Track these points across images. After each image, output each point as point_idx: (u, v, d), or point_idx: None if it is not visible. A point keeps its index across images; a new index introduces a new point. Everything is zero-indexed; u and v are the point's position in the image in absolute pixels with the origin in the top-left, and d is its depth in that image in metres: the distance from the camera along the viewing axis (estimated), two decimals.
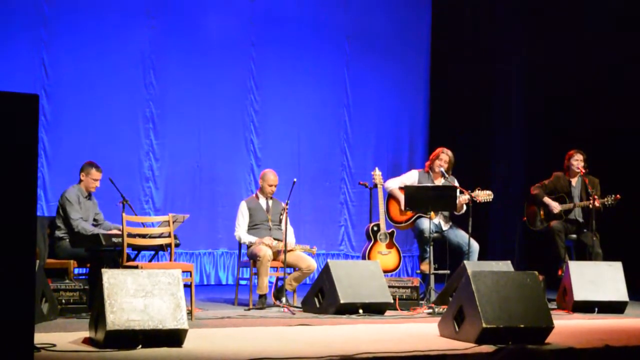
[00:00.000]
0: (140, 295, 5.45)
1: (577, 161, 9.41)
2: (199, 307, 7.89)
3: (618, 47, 11.48)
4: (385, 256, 8.99)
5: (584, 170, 9.36)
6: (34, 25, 10.28)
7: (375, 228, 9.08)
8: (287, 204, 8.37)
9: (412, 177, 9.23)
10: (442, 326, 6.28)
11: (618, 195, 9.17)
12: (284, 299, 8.25)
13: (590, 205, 9.12)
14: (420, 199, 8.59)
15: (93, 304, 5.92)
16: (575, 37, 11.72)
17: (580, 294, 8.23)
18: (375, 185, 9.24)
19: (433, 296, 8.47)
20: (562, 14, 11.91)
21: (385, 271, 8.49)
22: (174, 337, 5.47)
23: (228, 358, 5.04)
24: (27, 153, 4.12)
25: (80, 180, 8.09)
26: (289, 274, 8.39)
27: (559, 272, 9.06)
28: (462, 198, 8.85)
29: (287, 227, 8.34)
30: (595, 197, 9.13)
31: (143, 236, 7.65)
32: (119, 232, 7.55)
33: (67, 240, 7.88)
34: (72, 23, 10.52)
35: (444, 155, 9.13)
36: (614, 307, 8.24)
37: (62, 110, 10.41)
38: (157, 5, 11.00)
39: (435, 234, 8.91)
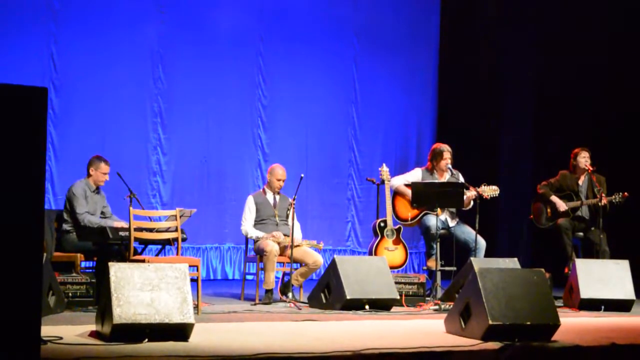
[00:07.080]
0: (147, 289, 5.45)
1: (584, 158, 9.39)
2: (206, 302, 7.89)
3: (620, 46, 11.48)
4: (392, 252, 8.98)
5: (592, 168, 9.33)
6: (43, 18, 10.30)
7: (382, 224, 9.07)
8: (294, 200, 8.37)
9: (416, 176, 9.18)
10: (449, 323, 6.27)
11: (626, 193, 9.14)
12: (290, 295, 8.24)
13: (599, 203, 9.10)
14: (427, 196, 8.57)
15: (100, 298, 5.93)
16: (582, 37, 11.70)
17: (586, 291, 8.21)
18: (383, 182, 9.23)
19: (439, 293, 8.47)
20: (569, 16, 11.88)
21: (391, 267, 8.49)
22: (180, 332, 5.48)
23: (234, 353, 5.04)
24: (36, 146, 4.13)
25: (89, 175, 8.08)
26: (296, 269, 8.40)
27: (566, 270, 9.05)
28: (469, 194, 8.84)
29: (294, 223, 8.34)
30: (603, 194, 9.11)
31: (150, 230, 7.65)
32: (126, 226, 7.57)
33: (74, 233, 7.89)
34: (82, 17, 10.53)
35: (447, 153, 9.06)
36: (620, 305, 8.23)
37: (70, 104, 10.42)
38: None
39: (441, 231, 8.88)
